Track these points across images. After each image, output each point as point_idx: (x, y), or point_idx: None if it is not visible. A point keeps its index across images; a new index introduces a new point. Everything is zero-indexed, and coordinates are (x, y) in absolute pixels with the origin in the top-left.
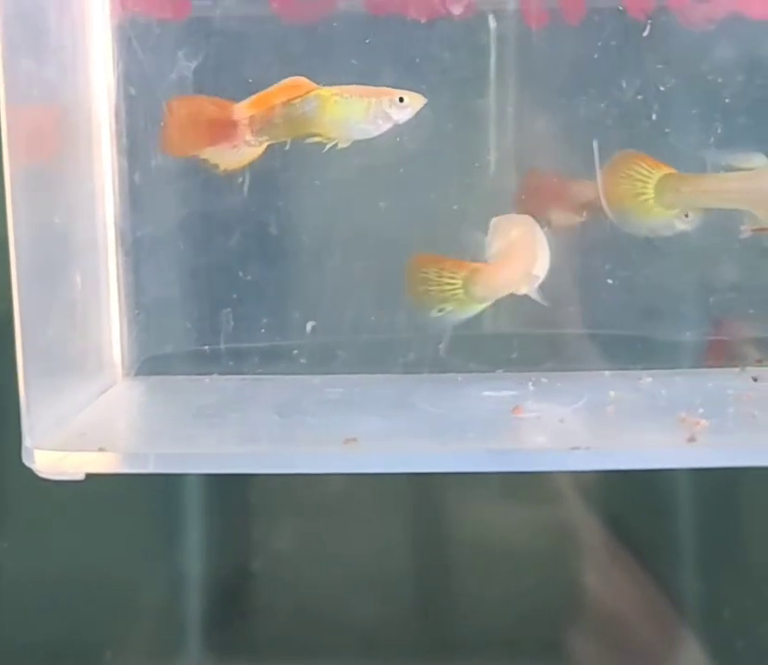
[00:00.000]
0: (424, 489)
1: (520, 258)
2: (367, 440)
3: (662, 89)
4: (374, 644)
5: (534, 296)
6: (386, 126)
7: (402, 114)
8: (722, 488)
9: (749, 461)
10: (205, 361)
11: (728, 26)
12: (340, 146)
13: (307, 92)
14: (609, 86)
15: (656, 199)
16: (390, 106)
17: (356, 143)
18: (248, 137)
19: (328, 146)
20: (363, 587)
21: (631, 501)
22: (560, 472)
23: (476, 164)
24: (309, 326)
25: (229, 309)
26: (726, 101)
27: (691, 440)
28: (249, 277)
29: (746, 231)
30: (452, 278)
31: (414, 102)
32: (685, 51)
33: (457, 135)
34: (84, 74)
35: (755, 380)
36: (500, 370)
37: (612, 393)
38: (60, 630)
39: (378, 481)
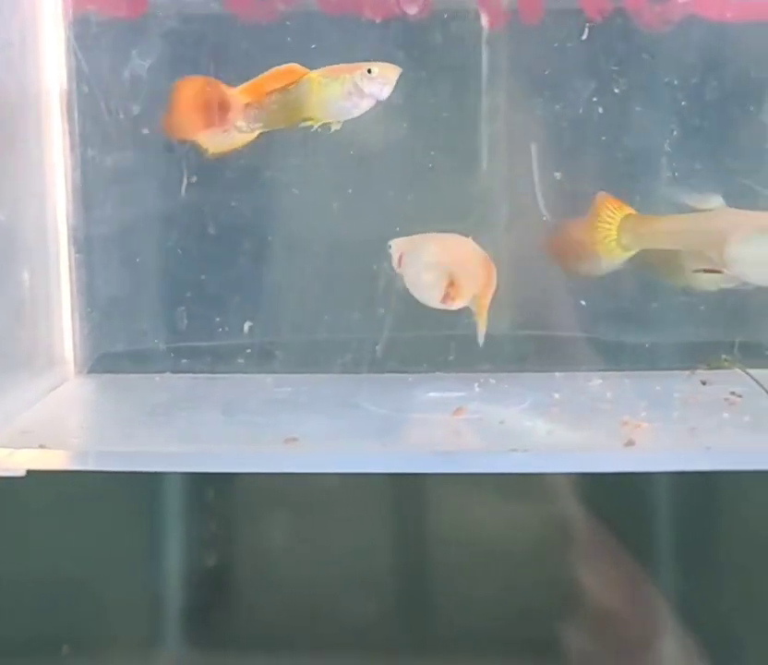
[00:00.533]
0: (412, 486)
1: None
2: (310, 439)
3: (616, 90)
4: (359, 641)
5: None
6: (365, 103)
7: (375, 87)
8: (712, 484)
9: (685, 466)
10: (158, 359)
11: (685, 27)
12: (333, 128)
13: (300, 78)
14: (564, 87)
15: (617, 241)
16: (362, 79)
17: (310, 146)
18: (240, 123)
19: (314, 127)
20: (348, 585)
21: (621, 496)
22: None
23: (430, 165)
24: (246, 326)
25: (183, 308)
26: (683, 103)
27: (630, 443)
28: (203, 276)
29: (698, 271)
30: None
31: (387, 72)
32: (641, 52)
33: (411, 135)
34: (34, 71)
35: (704, 383)
36: (439, 372)
37: (556, 395)
38: (43, 627)
39: (366, 478)
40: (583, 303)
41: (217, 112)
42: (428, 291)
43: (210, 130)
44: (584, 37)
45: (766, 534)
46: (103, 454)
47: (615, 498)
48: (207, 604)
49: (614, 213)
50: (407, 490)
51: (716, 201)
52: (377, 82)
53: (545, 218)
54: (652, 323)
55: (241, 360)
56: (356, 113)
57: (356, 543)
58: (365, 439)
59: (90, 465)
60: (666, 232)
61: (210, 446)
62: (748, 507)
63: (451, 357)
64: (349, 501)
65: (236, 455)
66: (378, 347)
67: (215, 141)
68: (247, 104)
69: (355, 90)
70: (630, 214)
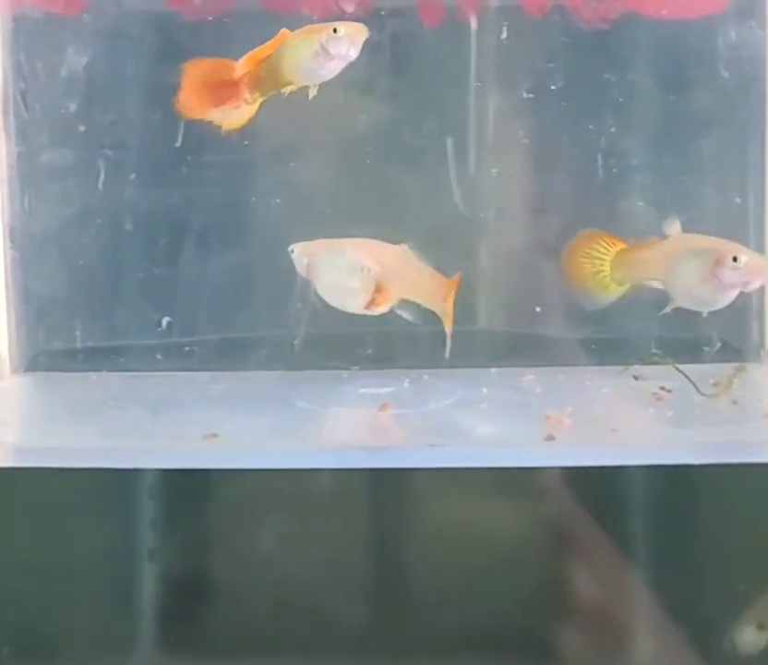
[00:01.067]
0: (401, 483)
1: None
2: (232, 436)
3: (553, 87)
4: (338, 644)
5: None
6: (333, 65)
7: (342, 47)
8: (705, 479)
9: (600, 461)
10: (95, 358)
11: (623, 25)
12: (310, 94)
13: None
14: (501, 84)
15: (611, 276)
16: (327, 40)
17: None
18: (247, 95)
19: (287, 90)
20: (328, 586)
21: (613, 493)
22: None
23: (368, 162)
24: (165, 322)
25: (121, 307)
26: (620, 100)
27: (549, 438)
28: (141, 274)
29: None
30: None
31: (352, 31)
32: (579, 48)
33: (345, 133)
34: None
35: (636, 378)
36: (356, 367)
37: (485, 390)
38: (14, 624)
39: (351, 476)
40: (538, 309)
41: (227, 90)
42: (352, 297)
43: (223, 107)
44: (503, 36)
45: (751, 528)
46: (21, 450)
47: (600, 492)
48: (148, 606)
49: (607, 249)
50: (376, 488)
51: (674, 228)
52: (342, 42)
53: (463, 211)
54: (590, 319)
55: (175, 358)
56: (326, 74)
57: (360, 545)
58: (287, 435)
59: (9, 462)
60: (652, 261)
61: (132, 442)
62: (730, 500)
63: (369, 352)
64: (348, 502)
65: (154, 451)
66: (296, 342)
67: (228, 118)
68: (248, 75)
69: (321, 51)
70: (622, 249)
